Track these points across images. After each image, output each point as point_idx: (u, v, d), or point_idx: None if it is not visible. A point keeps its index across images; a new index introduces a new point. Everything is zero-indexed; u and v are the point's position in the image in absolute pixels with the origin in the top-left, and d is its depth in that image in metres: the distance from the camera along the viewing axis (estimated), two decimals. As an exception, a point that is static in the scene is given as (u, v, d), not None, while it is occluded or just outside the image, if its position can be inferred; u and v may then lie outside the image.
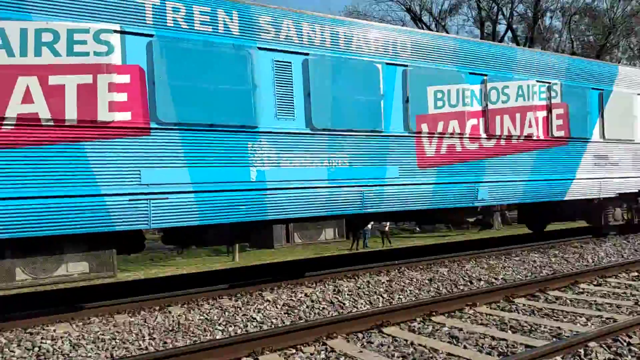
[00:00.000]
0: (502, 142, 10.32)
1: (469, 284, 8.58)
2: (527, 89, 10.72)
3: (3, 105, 5.70)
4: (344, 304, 7.40)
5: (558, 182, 11.30)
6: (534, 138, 10.84)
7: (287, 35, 7.85)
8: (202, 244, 9.63)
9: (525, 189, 10.69)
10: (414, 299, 7.54)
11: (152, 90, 6.66)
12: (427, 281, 8.73)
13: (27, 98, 5.84)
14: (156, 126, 6.70)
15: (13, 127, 5.78)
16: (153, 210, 6.65)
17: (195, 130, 7.02)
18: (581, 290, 7.60)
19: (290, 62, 7.84)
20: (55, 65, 6.02)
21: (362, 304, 7.40)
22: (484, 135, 9.99)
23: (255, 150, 7.49)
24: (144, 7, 6.68)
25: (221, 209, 7.17)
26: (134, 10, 6.60)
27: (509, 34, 27.28)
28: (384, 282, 8.66)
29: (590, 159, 11.91)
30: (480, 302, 6.83)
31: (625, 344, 4.84)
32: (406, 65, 9.01)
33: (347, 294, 7.89)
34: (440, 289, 8.23)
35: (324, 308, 7.19)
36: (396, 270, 9.76)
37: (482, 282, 8.63)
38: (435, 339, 5.48)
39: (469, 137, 9.77)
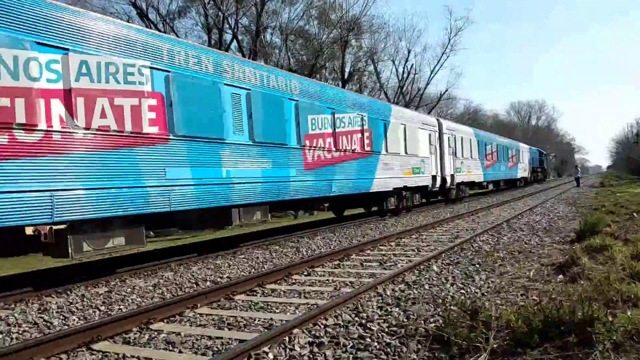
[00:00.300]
0: (343, 153, 15.32)
1: (195, 286, 8.51)
2: (353, 119, 16.12)
3: (89, 118, 7.84)
4: (51, 323, 6.46)
5: (367, 180, 16.75)
6: (357, 151, 16.18)
7: (238, 76, 11.22)
8: (193, 227, 14.15)
9: (353, 184, 15.77)
10: (135, 307, 7.07)
11: (170, 111, 9.28)
12: (150, 287, 8.34)
13: (103, 114, 8.04)
14: (173, 137, 9.31)
15: (94, 135, 7.93)
16: (172, 198, 9.23)
17: (194, 140, 9.78)
18: (294, 281, 8.32)
19: (239, 94, 11.23)
20: (118, 90, 8.31)
21: (74, 320, 6.58)
22: (334, 149, 14.86)
23: (224, 155, 10.56)
24: (162, 49, 9.31)
25: (207, 197, 10.05)
26: (157, 51, 9.17)
27: (235, 44, 28.66)
28: (101, 294, 7.93)
29: (381, 166, 17.65)
30: (201, 303, 6.82)
31: (322, 326, 5.43)
32: (297, 100, 13.30)
33: (56, 312, 6.94)
34: (165, 294, 7.94)
35: (24, 332, 6.15)
36: (117, 280, 9.08)
37: (208, 283, 8.66)
38: (150, 347, 5.21)
39: (327, 150, 14.50)
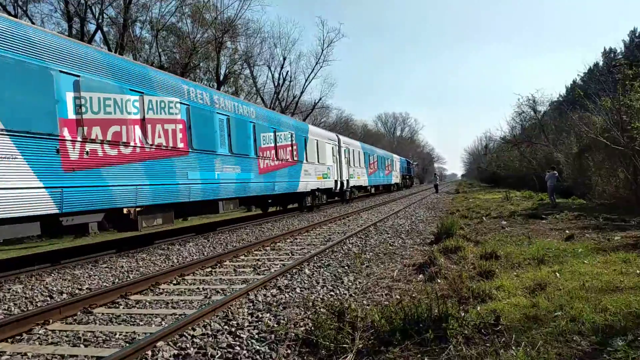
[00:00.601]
0: (281, 162, 19.61)
1: (48, 299, 7.67)
2: (286, 136, 20.62)
3: (153, 138, 11.76)
4: None
5: (296, 182, 21.20)
6: (289, 160, 20.60)
7: (222, 106, 15.29)
8: (197, 213, 17.16)
9: (287, 185, 20.12)
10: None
11: (190, 132, 13.19)
12: (-9, 304, 7.34)
13: (159, 135, 11.96)
14: (191, 150, 13.19)
15: (154, 149, 11.78)
16: (191, 192, 13.02)
17: (201, 152, 13.67)
18: (161, 290, 7.87)
19: (223, 119, 15.18)
20: (166, 118, 12.26)
21: None
22: (276, 158, 19.23)
23: (216, 163, 14.44)
24: (185, 89, 13.33)
25: (207, 192, 13.88)
26: (183, 91, 13.21)
27: (100, 35, 26.62)
28: None
29: (303, 172, 22.21)
30: (54, 319, 6.15)
31: (189, 337, 5.17)
32: (255, 122, 17.57)
33: None
34: (13, 309, 7.04)
35: None
36: (-51, 296, 7.87)
37: (64, 296, 7.86)
38: (-14, 374, 4.55)
39: (272, 159, 18.86)
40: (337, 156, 28.58)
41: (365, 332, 4.72)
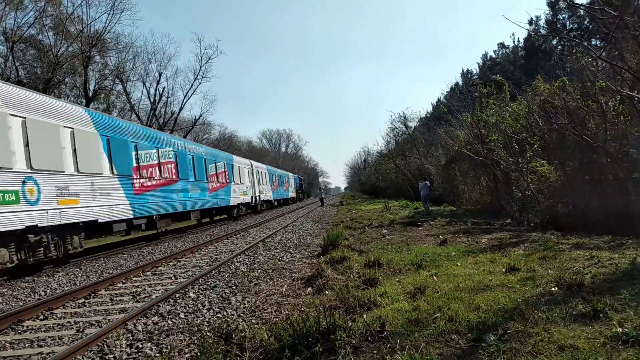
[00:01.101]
0: (219, 183, 27.30)
1: None
2: (221, 165, 28.40)
3: (163, 173, 19.35)
4: None
5: (228, 198, 28.42)
6: (223, 182, 28.10)
7: (192, 148, 23.57)
8: (180, 220, 22.48)
9: (223, 200, 27.24)
10: None
11: (177, 168, 20.67)
12: None
13: (166, 171, 19.77)
14: (178, 179, 20.72)
15: (164, 180, 19.51)
16: (178, 206, 20.28)
17: (183, 181, 21.25)
18: (25, 328, 6.98)
19: (191, 157, 22.98)
20: (169, 160, 20.16)
21: None
22: (216, 181, 26.64)
23: (190, 187, 21.97)
24: (175, 141, 21.78)
25: (186, 206, 21.33)
26: (174, 142, 21.60)
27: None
28: None
29: (232, 190, 29.86)
30: None
31: (57, 378, 4.60)
32: (206, 158, 25.43)
33: None
34: None
35: None
36: None
37: None
38: None
39: (216, 182, 26.52)
40: (252, 177, 36.48)
41: (254, 352, 4.55)
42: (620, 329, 4.25)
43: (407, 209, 26.43)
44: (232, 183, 29.64)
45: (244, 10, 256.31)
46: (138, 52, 44.49)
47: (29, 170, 11.71)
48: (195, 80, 45.19)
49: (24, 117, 11.82)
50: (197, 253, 14.49)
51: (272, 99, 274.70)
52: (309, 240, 15.47)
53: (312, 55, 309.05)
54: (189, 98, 46.26)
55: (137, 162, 17.11)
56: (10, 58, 24.74)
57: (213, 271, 10.48)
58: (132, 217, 16.27)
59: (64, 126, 13.44)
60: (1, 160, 10.88)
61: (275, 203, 48.86)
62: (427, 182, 24.12)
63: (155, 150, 18.66)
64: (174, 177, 20.33)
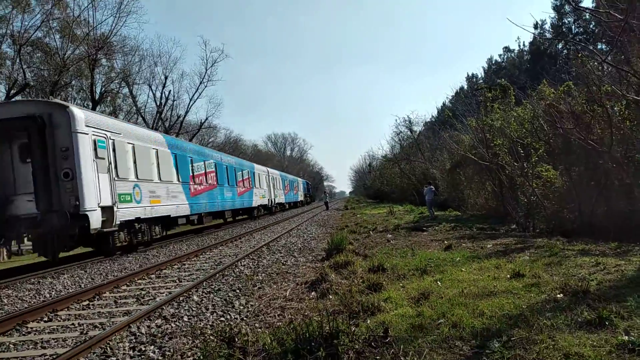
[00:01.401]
0: (244, 188, 32.84)
1: None
2: (246, 172, 34.35)
3: (207, 180, 24.70)
4: None
5: (251, 200, 34.27)
6: (247, 187, 33.57)
7: (226, 160, 29.44)
8: (219, 218, 27.96)
9: (247, 202, 33.07)
10: None
11: (217, 176, 26.14)
12: None
13: (209, 178, 24.88)
14: (218, 185, 26.26)
15: (206, 186, 24.38)
16: (218, 206, 25.69)
17: (221, 186, 26.79)
18: (30, 329, 7.00)
19: (227, 167, 28.71)
20: (211, 170, 25.33)
21: None
22: (242, 186, 32.51)
23: (225, 191, 27.28)
24: (217, 155, 28.28)
25: (222, 206, 26.73)
26: (214, 156, 27.18)
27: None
28: None
29: (254, 194, 35.31)
30: None
31: (60, 381, 4.60)
32: (235, 167, 31.27)
33: None
34: None
35: None
36: None
37: None
38: None
39: (241, 187, 32.06)
40: (268, 182, 41.77)
41: (257, 356, 4.54)
42: (626, 337, 4.20)
43: (412, 214, 26.38)
44: (254, 188, 35.81)
45: (247, 14, 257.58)
46: (144, 55, 44.76)
47: (136, 180, 16.60)
48: (200, 83, 45.42)
49: (133, 144, 16.75)
50: (201, 256, 14.49)
51: (277, 102, 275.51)
52: (313, 245, 15.45)
53: (321, 61, 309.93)
54: (194, 101, 46.59)
55: (192, 172, 22.22)
56: (18, 60, 24.89)
57: (217, 274, 10.48)
58: (189, 213, 21.26)
59: (152, 148, 18.39)
60: (123, 173, 15.75)
61: (287, 206, 53.82)
62: (432, 186, 24.07)
63: (202, 162, 24.09)
64: (215, 183, 25.76)
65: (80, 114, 13.83)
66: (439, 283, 7.17)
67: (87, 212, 13.31)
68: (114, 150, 15.27)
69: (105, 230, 14.40)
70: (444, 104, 70.65)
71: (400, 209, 32.56)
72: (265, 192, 39.46)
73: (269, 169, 44.83)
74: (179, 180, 20.33)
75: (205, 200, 23.41)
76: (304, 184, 76.94)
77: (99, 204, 13.90)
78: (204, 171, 23.94)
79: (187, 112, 46.16)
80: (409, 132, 46.56)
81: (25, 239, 14.37)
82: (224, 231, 25.76)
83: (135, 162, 16.54)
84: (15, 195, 13.69)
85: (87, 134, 13.83)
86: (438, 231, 15.58)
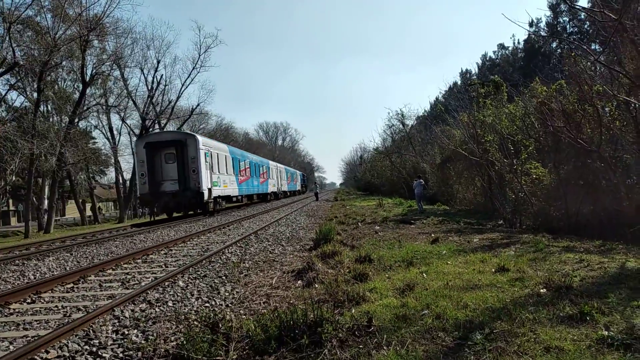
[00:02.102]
0: (263, 179, 44.80)
1: None
2: (262, 166, 45.17)
3: (251, 175, 39.94)
4: None
5: (266, 187, 45.99)
6: (264, 177, 45.32)
7: (254, 158, 43.79)
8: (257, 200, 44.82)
9: (263, 189, 44.73)
10: None
11: (250, 170, 38.51)
12: None
13: (248, 172, 38.69)
14: (250, 177, 38.17)
15: (245, 177, 36.73)
16: (254, 190, 40.50)
17: (253, 177, 39.66)
18: (12, 311, 6.96)
19: (255, 164, 42.18)
20: (246, 167, 37.87)
21: None
22: (262, 178, 44.54)
23: (253, 180, 40.09)
24: (249, 155, 41.02)
25: (264, 189, 45.18)
26: (247, 157, 39.57)
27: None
28: None
29: (269, 182, 47.73)
30: None
31: (41, 361, 4.58)
32: (257, 163, 43.68)
33: None
34: None
35: None
36: None
37: None
38: None
39: (261, 178, 44.33)
40: (277, 174, 53.43)
41: (240, 342, 4.54)
42: (606, 332, 4.26)
43: (401, 207, 26.47)
44: (269, 178, 47.29)
45: (246, 3, 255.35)
46: (137, 38, 44.32)
47: (225, 174, 29.73)
48: (193, 69, 44.96)
49: (226, 154, 30.48)
50: (189, 242, 14.45)
51: (270, 92, 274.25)
52: (301, 234, 15.46)
53: (313, 50, 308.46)
54: (187, 87, 46.63)
55: (239, 168, 33.89)
56: (7, 39, 24.37)
57: (204, 261, 10.46)
58: (237, 195, 33.04)
59: (225, 155, 30.14)
60: (226, 170, 29.91)
61: (289, 193, 66.25)
62: (422, 180, 24.14)
63: (244, 162, 35.95)
64: (249, 175, 36.81)
65: (200, 138, 25.44)
66: (425, 275, 7.22)
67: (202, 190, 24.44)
68: (211, 157, 26.22)
69: (209, 200, 25.32)
70: (437, 98, 70.80)
71: (389, 201, 32.65)
72: (275, 182, 51.58)
73: (278, 164, 58.31)
74: (233, 174, 32.18)
75: (245, 186, 35.46)
76: (300, 175, 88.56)
77: (207, 187, 25.02)
78: (244, 167, 35.89)
79: (178, 98, 45.78)
80: (401, 126, 46.59)
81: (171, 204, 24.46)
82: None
83: (218, 164, 27.99)
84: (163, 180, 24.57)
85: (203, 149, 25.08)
86: (426, 224, 15.66)
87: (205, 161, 25.10)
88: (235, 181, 32.81)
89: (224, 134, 64.50)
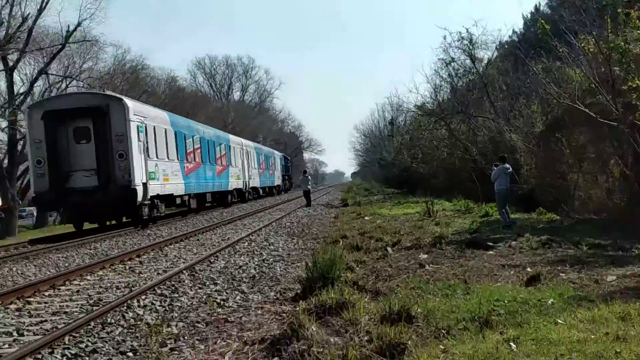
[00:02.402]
0: (271, 171, 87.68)
1: None
2: (273, 159, 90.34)
3: (265, 167, 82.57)
4: None
5: (274, 180, 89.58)
6: (272, 172, 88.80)
7: (267, 152, 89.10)
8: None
9: (270, 181, 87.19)
10: None
11: (264, 164, 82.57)
12: None
13: (263, 165, 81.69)
14: (265, 169, 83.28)
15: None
16: (267, 182, 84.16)
17: (266, 170, 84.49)
18: None
19: (268, 157, 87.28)
20: (264, 161, 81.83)
21: None
22: (269, 171, 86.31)
23: (269, 174, 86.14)
24: (264, 149, 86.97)
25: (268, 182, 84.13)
26: (262, 153, 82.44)
27: None
28: None
29: (276, 177, 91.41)
30: None
31: None
32: (258, 152, 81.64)
33: None
34: None
35: None
36: None
37: None
38: None
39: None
40: (243, 158, 64.11)
41: None
42: None
43: (469, 216, 26.59)
44: (231, 166, 57.02)
45: None
46: None
47: (167, 159, 34.12)
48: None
49: (166, 127, 35.15)
50: (74, 283, 14.43)
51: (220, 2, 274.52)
52: (278, 270, 15.52)
53: None
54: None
55: (185, 149, 39.12)
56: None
57: (91, 322, 10.42)
58: (184, 193, 37.57)
59: (164, 128, 33.86)
60: (167, 154, 34.38)
61: (262, 191, 79.34)
62: (507, 165, 23.85)
63: (192, 138, 41.95)
64: (199, 160, 43.26)
65: (129, 103, 27.66)
66: (513, 346, 7.19)
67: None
68: (146, 133, 29.74)
69: (144, 203, 28.96)
70: (536, 8, 70.73)
71: (446, 205, 32.81)
72: (240, 172, 60.57)
73: (242, 140, 69.14)
74: (177, 158, 36.81)
75: (194, 179, 42.04)
76: (281, 159, 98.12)
77: (142, 180, 28.29)
78: (194, 148, 42.58)
79: (41, 12, 45.87)
80: (468, 61, 45.97)
81: None
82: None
83: (156, 143, 31.28)
84: None
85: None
86: (516, 249, 15.68)
87: (139, 140, 26.73)
88: (180, 171, 35.37)
89: (130, 79, 64.48)
